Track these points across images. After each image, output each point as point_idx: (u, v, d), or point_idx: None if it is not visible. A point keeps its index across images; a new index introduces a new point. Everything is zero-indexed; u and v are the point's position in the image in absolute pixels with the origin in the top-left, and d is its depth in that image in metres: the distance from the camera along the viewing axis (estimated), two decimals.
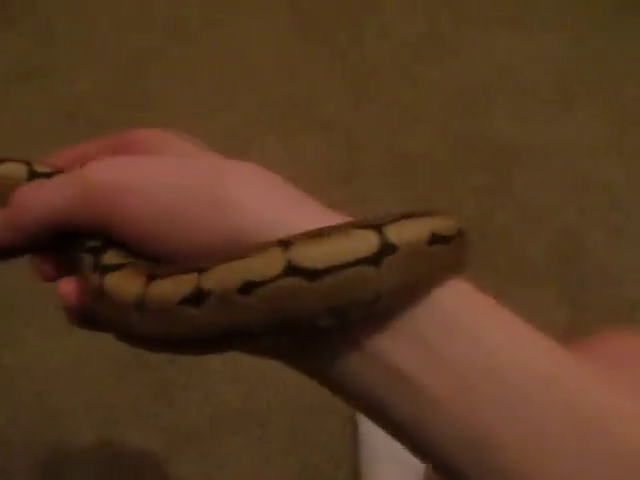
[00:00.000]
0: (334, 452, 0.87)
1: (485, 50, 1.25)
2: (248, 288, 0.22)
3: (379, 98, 1.20)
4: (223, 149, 1.10)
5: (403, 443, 0.26)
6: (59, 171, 0.30)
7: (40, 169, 0.31)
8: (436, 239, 0.25)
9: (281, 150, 1.14)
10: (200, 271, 0.23)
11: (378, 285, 0.23)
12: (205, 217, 0.24)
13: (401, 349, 0.24)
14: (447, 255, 0.25)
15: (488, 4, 1.31)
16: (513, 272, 1.00)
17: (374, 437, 0.82)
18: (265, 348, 0.27)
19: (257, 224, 0.24)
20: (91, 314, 0.27)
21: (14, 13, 1.33)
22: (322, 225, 0.24)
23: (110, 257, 0.26)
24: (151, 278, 0.24)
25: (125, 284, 0.25)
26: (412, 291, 0.24)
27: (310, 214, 0.25)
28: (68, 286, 0.28)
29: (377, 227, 0.24)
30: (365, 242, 0.23)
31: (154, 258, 0.26)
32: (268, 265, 0.22)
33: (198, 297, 0.23)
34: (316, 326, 0.23)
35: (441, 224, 0.25)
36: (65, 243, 0.28)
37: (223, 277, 0.23)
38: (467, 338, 0.24)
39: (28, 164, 0.31)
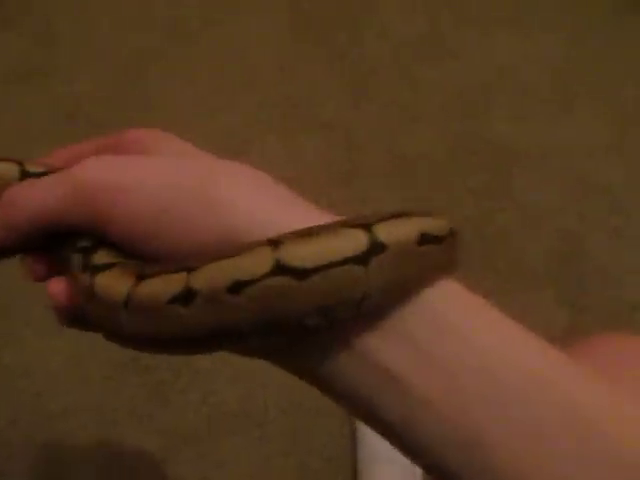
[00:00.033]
0: (333, 453, 0.87)
1: (485, 50, 1.25)
2: (237, 287, 0.22)
3: (379, 98, 1.20)
4: (223, 149, 1.10)
5: (393, 443, 0.26)
6: (51, 171, 0.30)
7: (32, 169, 0.31)
8: (426, 239, 0.25)
9: (281, 150, 1.14)
10: (189, 270, 0.23)
11: (366, 284, 0.23)
12: (197, 217, 0.25)
13: (390, 349, 0.24)
14: (438, 255, 0.25)
15: (488, 4, 1.31)
16: (512, 273, 1.00)
17: (373, 437, 0.82)
18: (254, 348, 0.27)
19: (249, 224, 0.24)
20: (81, 314, 0.27)
21: (13, 13, 1.33)
22: (315, 223, 0.24)
23: (100, 257, 0.26)
24: (140, 278, 0.24)
25: (115, 284, 0.25)
26: (402, 291, 0.24)
27: (301, 214, 0.25)
28: (58, 286, 0.28)
29: (366, 226, 0.23)
30: (354, 241, 0.23)
31: (146, 258, 0.26)
32: (257, 264, 0.22)
33: (187, 296, 0.23)
34: (305, 325, 0.23)
35: (431, 224, 0.25)
36: (56, 243, 0.28)
37: (212, 276, 0.23)
38: (457, 338, 0.24)
39: (20, 164, 0.31)
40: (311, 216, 0.25)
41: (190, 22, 1.31)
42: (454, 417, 0.23)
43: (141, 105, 1.20)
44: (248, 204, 0.25)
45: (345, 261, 0.23)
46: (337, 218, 0.25)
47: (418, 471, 0.80)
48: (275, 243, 0.23)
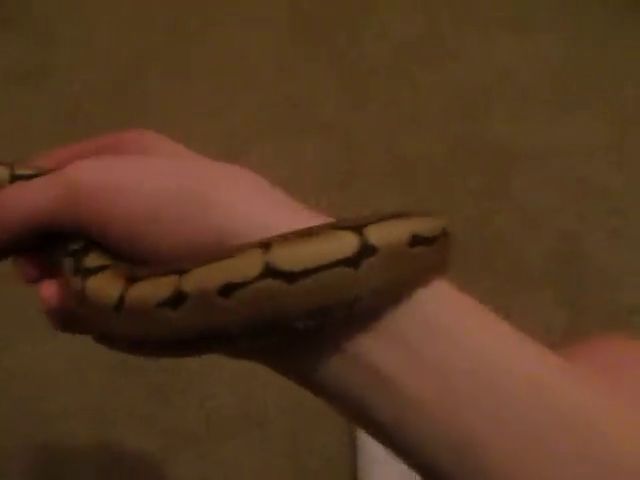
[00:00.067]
0: (333, 453, 0.87)
1: (485, 51, 1.25)
2: (227, 290, 0.22)
3: (378, 99, 1.20)
4: (223, 149, 1.10)
5: (384, 444, 0.26)
6: (41, 173, 0.30)
7: (22, 172, 0.31)
8: (417, 240, 0.24)
9: (280, 150, 1.14)
10: (180, 273, 0.23)
11: (357, 287, 0.23)
12: (195, 219, 0.25)
13: (382, 350, 0.24)
14: (429, 256, 0.25)
15: (488, 5, 1.31)
16: (511, 274, 1.00)
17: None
18: (245, 350, 0.27)
19: (247, 227, 0.24)
20: (72, 317, 0.27)
21: (13, 13, 1.33)
22: (305, 226, 0.24)
23: (92, 260, 0.26)
24: (131, 280, 0.24)
25: (106, 287, 0.25)
26: (393, 292, 0.24)
27: (296, 218, 0.25)
28: (50, 289, 0.28)
29: (357, 228, 0.23)
30: (344, 244, 0.23)
31: (138, 259, 0.26)
32: (247, 267, 0.22)
33: (177, 299, 0.23)
34: (295, 328, 0.23)
35: (423, 225, 0.25)
36: (48, 245, 0.28)
37: (202, 279, 0.23)
38: (449, 339, 0.24)
39: (9, 167, 0.31)
40: (301, 217, 0.25)
41: (190, 22, 1.31)
42: (446, 418, 0.23)
43: (141, 105, 1.20)
44: (246, 207, 0.25)
45: (336, 264, 0.23)
46: (327, 219, 0.25)
47: None
48: (266, 246, 0.23)
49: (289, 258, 0.22)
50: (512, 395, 0.23)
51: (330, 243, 0.23)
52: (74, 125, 1.17)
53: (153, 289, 0.24)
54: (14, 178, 0.30)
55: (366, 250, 0.23)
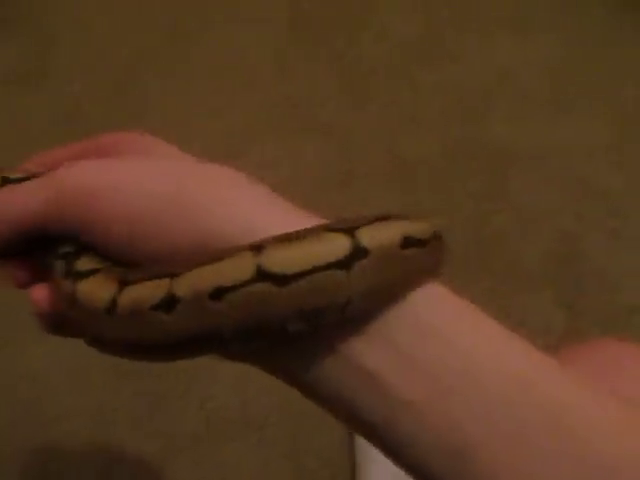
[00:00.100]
0: (331, 455, 0.87)
1: (484, 52, 1.25)
2: (219, 293, 0.22)
3: (378, 99, 1.20)
4: (223, 150, 1.09)
5: (375, 444, 0.26)
6: (32, 176, 0.30)
7: (13, 176, 0.30)
8: (410, 242, 0.24)
9: (280, 151, 1.14)
10: (172, 276, 0.23)
11: (349, 289, 0.23)
12: (173, 222, 0.25)
13: (374, 352, 0.24)
14: (422, 258, 0.25)
15: (487, 5, 1.31)
16: (510, 275, 1.00)
17: None
18: (237, 352, 0.27)
19: (225, 228, 0.24)
20: (64, 320, 0.27)
21: (13, 13, 1.33)
22: (294, 228, 0.24)
23: (83, 263, 0.26)
24: (123, 284, 0.24)
25: (97, 290, 0.25)
26: (385, 295, 0.24)
27: (282, 216, 0.25)
28: (41, 293, 0.28)
29: (349, 230, 0.23)
30: (336, 246, 0.23)
31: (129, 262, 0.26)
32: (239, 270, 0.22)
33: (169, 303, 0.23)
34: (287, 331, 0.23)
35: (415, 227, 0.25)
36: (39, 248, 0.28)
37: (194, 283, 0.23)
38: (440, 341, 0.24)
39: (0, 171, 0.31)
40: (290, 218, 0.25)
41: (190, 22, 1.31)
42: (436, 419, 0.23)
43: (141, 105, 1.20)
44: (224, 207, 0.25)
45: (327, 266, 0.23)
46: (318, 219, 0.25)
47: None
48: (257, 249, 0.23)
49: (280, 261, 0.22)
50: (501, 395, 0.23)
51: (322, 245, 0.23)
52: (74, 125, 1.17)
53: (145, 292, 0.24)
54: (4, 182, 0.30)
55: (358, 252, 0.23)
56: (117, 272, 0.25)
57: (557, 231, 1.04)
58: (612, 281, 0.99)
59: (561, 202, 1.07)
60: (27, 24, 1.32)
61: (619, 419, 0.24)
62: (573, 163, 1.10)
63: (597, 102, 1.17)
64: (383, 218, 0.25)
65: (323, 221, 0.25)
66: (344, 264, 0.23)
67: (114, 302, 0.24)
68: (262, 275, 0.22)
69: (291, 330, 0.23)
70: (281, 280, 0.22)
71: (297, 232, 0.24)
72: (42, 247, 0.28)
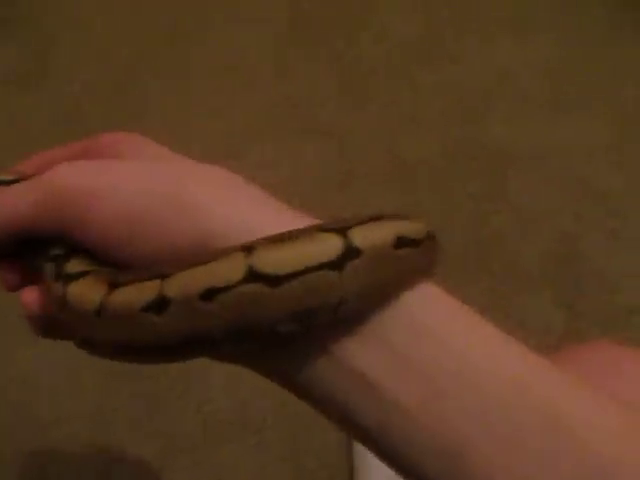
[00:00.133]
0: (329, 458, 0.87)
1: (484, 52, 1.25)
2: (210, 294, 0.22)
3: (378, 99, 1.20)
4: (222, 150, 1.09)
5: (370, 448, 0.25)
6: (23, 178, 0.30)
7: (2, 177, 0.30)
8: (403, 242, 0.24)
9: (280, 151, 1.14)
10: (162, 277, 0.23)
11: (342, 290, 0.23)
12: (171, 222, 0.24)
13: (367, 354, 0.24)
14: (415, 259, 0.25)
15: (487, 6, 1.31)
16: (509, 276, 1.00)
17: None
18: (229, 354, 0.27)
19: (223, 228, 0.24)
20: (54, 323, 0.27)
21: (12, 14, 1.33)
22: (288, 228, 0.24)
23: (73, 265, 0.26)
24: (113, 286, 0.24)
25: (87, 293, 0.25)
26: (379, 295, 0.24)
27: (278, 217, 0.25)
28: (31, 295, 0.28)
29: (341, 230, 0.23)
30: (328, 246, 0.23)
31: (120, 264, 0.26)
32: (230, 271, 0.22)
33: (160, 304, 0.23)
34: (279, 332, 0.23)
35: (408, 227, 0.25)
36: (29, 251, 0.28)
37: (185, 284, 0.23)
38: (434, 342, 0.24)
39: None
40: (285, 218, 0.25)
41: (190, 22, 1.31)
42: (431, 421, 0.23)
43: (141, 105, 1.20)
44: (224, 207, 0.25)
45: (319, 267, 0.22)
46: (311, 220, 0.25)
47: None
48: (248, 249, 0.22)
49: (272, 261, 0.22)
50: (497, 396, 0.23)
51: (314, 246, 0.23)
52: (74, 125, 1.17)
53: (135, 294, 0.23)
54: None
55: (350, 252, 0.23)
56: (107, 274, 0.25)
57: (556, 231, 1.04)
58: (611, 281, 0.99)
59: (561, 202, 1.07)
60: (27, 24, 1.32)
61: (618, 422, 0.23)
62: (573, 163, 1.11)
63: (597, 102, 1.17)
64: (376, 218, 0.24)
65: (317, 221, 0.25)
66: (336, 264, 0.23)
67: (104, 304, 0.24)
68: (253, 276, 0.22)
69: (283, 331, 0.23)
70: (273, 281, 0.22)
71: (289, 232, 0.23)
72: (32, 249, 0.28)
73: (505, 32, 1.27)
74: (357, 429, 0.25)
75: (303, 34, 1.29)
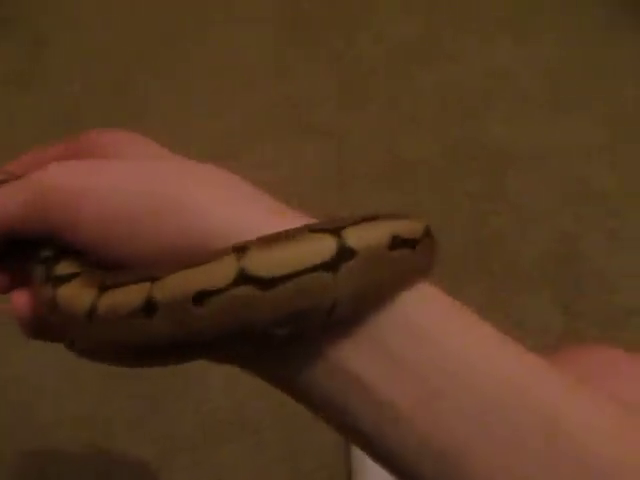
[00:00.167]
0: (328, 459, 0.87)
1: (483, 52, 1.25)
2: (200, 298, 0.22)
3: (377, 99, 1.20)
4: (222, 150, 1.09)
5: (368, 454, 0.25)
6: (11, 179, 0.29)
7: None
8: (398, 243, 0.24)
9: (280, 151, 1.14)
10: (153, 280, 0.23)
11: (336, 292, 0.22)
12: (172, 223, 0.24)
13: (362, 356, 0.23)
14: (411, 259, 0.24)
15: (487, 5, 1.31)
16: (508, 276, 1.00)
17: None
18: (225, 356, 0.26)
19: (224, 228, 0.24)
20: (44, 325, 0.27)
21: (11, 14, 1.33)
22: (286, 227, 0.23)
23: (63, 267, 0.26)
24: (103, 288, 0.24)
25: (77, 295, 0.24)
26: (374, 297, 0.23)
27: (274, 216, 0.24)
28: (21, 298, 0.27)
29: (335, 231, 0.23)
30: (321, 247, 0.22)
31: (112, 265, 0.25)
32: (220, 274, 0.22)
33: (150, 308, 0.22)
34: (272, 335, 0.23)
35: (404, 227, 0.24)
36: (19, 252, 0.28)
37: (175, 287, 0.22)
38: (431, 342, 0.23)
39: None
40: (282, 218, 0.24)
41: (189, 22, 1.31)
42: (428, 424, 0.23)
43: (141, 105, 1.20)
44: (223, 207, 0.24)
45: (312, 269, 0.22)
46: (309, 219, 0.25)
47: None
48: (240, 251, 0.22)
49: (264, 264, 0.22)
50: (494, 397, 0.23)
51: (307, 247, 0.22)
52: (73, 125, 1.17)
53: (125, 297, 0.23)
54: None
55: (344, 253, 0.22)
56: (98, 276, 0.25)
57: (556, 231, 1.04)
58: (610, 282, 0.99)
59: (560, 202, 1.07)
60: (26, 24, 1.32)
61: (618, 423, 0.23)
62: (572, 163, 1.11)
63: (596, 102, 1.17)
64: (371, 218, 0.24)
65: (314, 221, 0.24)
66: (330, 266, 0.22)
67: (94, 307, 0.23)
68: (245, 278, 0.21)
69: (276, 334, 0.23)
70: (265, 283, 0.22)
71: (283, 232, 0.23)
72: (22, 251, 0.27)
73: (505, 32, 1.27)
74: (354, 433, 0.25)
75: (303, 34, 1.29)
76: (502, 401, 0.23)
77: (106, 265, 0.25)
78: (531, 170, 1.10)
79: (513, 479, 0.22)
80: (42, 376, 0.93)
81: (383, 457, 0.24)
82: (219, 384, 0.91)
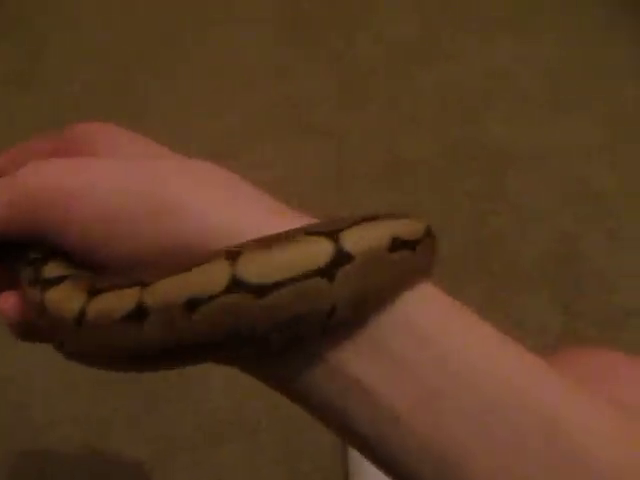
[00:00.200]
0: (325, 460, 0.87)
1: (483, 52, 1.25)
2: (192, 305, 0.21)
3: (377, 99, 1.20)
4: (222, 149, 1.09)
5: (367, 456, 0.25)
6: None
7: None
8: (398, 245, 0.23)
9: (280, 151, 1.14)
10: (143, 285, 0.22)
11: (332, 298, 0.21)
12: (149, 222, 0.23)
13: (362, 359, 0.23)
14: (412, 261, 0.24)
15: (486, 5, 1.31)
16: (508, 276, 1.00)
17: None
18: (222, 358, 0.26)
19: (219, 229, 0.23)
20: (33, 327, 0.26)
21: (7, 15, 1.33)
22: (283, 228, 0.23)
23: (51, 269, 0.25)
24: (92, 293, 0.23)
25: (66, 300, 0.23)
26: (374, 299, 0.23)
27: (271, 216, 0.24)
28: (8, 301, 0.27)
29: (332, 234, 0.22)
30: (317, 252, 0.21)
31: (99, 267, 0.25)
32: (213, 280, 0.21)
33: (140, 314, 0.22)
34: (267, 341, 0.22)
35: (404, 228, 0.23)
36: (6, 254, 0.27)
37: (166, 293, 0.21)
38: (431, 342, 0.23)
39: None
40: (279, 218, 0.24)
41: (189, 22, 1.31)
42: (428, 426, 0.23)
43: (140, 106, 1.20)
44: (201, 206, 0.23)
45: (308, 274, 0.21)
46: (309, 219, 0.24)
47: None
48: (232, 256, 0.21)
49: (257, 270, 0.21)
50: (494, 397, 0.22)
51: (302, 252, 0.21)
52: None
53: (116, 303, 0.22)
54: None
55: (341, 258, 0.21)
56: (86, 279, 0.24)
57: (556, 231, 1.04)
58: (610, 282, 0.99)
59: (560, 202, 1.07)
60: (26, 24, 1.32)
61: (617, 426, 0.23)
62: (572, 163, 1.10)
63: (596, 102, 1.17)
64: (370, 218, 0.23)
65: (313, 221, 0.24)
66: (326, 271, 0.21)
67: (83, 312, 0.23)
68: (238, 285, 0.21)
69: (272, 341, 0.22)
70: (258, 291, 0.21)
71: (277, 235, 0.22)
72: (9, 251, 0.27)
73: (505, 32, 1.27)
74: (353, 435, 0.24)
75: (303, 34, 1.29)
76: (502, 401, 0.22)
77: (96, 267, 0.25)
78: (531, 170, 1.10)
79: (515, 478, 0.22)
80: (35, 376, 0.93)
81: (382, 459, 0.24)
82: (218, 384, 0.91)
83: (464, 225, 1.04)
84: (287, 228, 0.23)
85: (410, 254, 0.23)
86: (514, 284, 0.99)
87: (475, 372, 0.23)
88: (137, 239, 0.24)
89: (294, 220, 0.24)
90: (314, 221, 0.24)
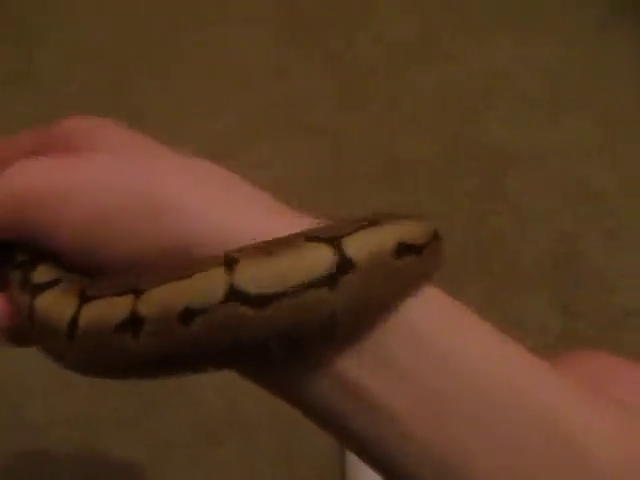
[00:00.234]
0: (322, 460, 0.87)
1: (483, 52, 1.25)
2: (188, 316, 0.20)
3: (376, 99, 1.20)
4: (219, 149, 1.09)
5: (365, 459, 0.25)
6: None
7: None
8: (403, 250, 0.22)
9: (278, 151, 1.14)
10: (137, 293, 0.21)
11: (333, 307, 0.21)
12: (165, 223, 0.23)
13: (363, 365, 0.23)
14: (417, 266, 0.23)
15: (486, 5, 1.31)
16: (507, 276, 1.00)
17: None
18: (220, 368, 0.25)
19: (219, 229, 0.23)
20: (23, 332, 0.26)
21: (4, 15, 1.33)
22: (282, 230, 0.22)
23: (40, 273, 0.24)
24: (84, 299, 0.22)
25: (56, 306, 0.23)
26: (377, 306, 0.22)
27: (270, 217, 0.23)
28: None
29: (333, 240, 0.21)
30: (318, 260, 0.20)
31: (91, 270, 0.24)
32: (209, 290, 0.20)
33: (134, 323, 0.21)
34: (268, 350, 0.21)
35: (410, 232, 0.22)
36: None
37: (161, 302, 0.21)
38: (431, 342, 0.23)
39: None
40: (279, 219, 0.23)
41: (186, 22, 1.31)
42: (427, 425, 0.22)
43: (138, 106, 1.20)
44: (201, 206, 0.23)
45: (308, 285, 0.20)
46: (310, 220, 0.24)
47: None
48: (230, 264, 0.20)
49: (256, 280, 0.20)
50: (495, 397, 0.22)
51: (302, 260, 0.20)
52: None
53: (108, 311, 0.21)
54: None
55: (344, 266, 0.20)
56: (78, 283, 0.23)
57: (556, 231, 1.04)
58: (610, 282, 0.99)
59: (560, 203, 1.07)
60: (24, 24, 1.31)
61: (617, 426, 0.23)
62: (572, 163, 1.10)
63: (596, 102, 1.17)
64: (374, 221, 0.22)
65: (315, 222, 0.23)
66: (328, 281, 0.20)
67: (75, 320, 0.22)
68: (235, 295, 0.20)
69: (273, 349, 0.21)
70: (257, 301, 0.20)
71: (275, 242, 0.21)
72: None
73: (505, 32, 1.27)
74: (353, 439, 0.24)
75: (301, 34, 1.29)
76: (502, 401, 0.22)
77: (92, 269, 0.24)
78: (531, 170, 1.10)
79: (516, 478, 0.22)
80: (33, 376, 0.93)
81: (381, 462, 0.24)
82: (214, 386, 0.91)
83: (464, 225, 1.04)
84: (287, 228, 0.22)
85: (416, 259, 0.22)
86: (514, 284, 0.99)
87: (475, 372, 0.23)
88: (136, 239, 0.23)
89: (294, 220, 0.23)
90: (315, 221, 0.24)
